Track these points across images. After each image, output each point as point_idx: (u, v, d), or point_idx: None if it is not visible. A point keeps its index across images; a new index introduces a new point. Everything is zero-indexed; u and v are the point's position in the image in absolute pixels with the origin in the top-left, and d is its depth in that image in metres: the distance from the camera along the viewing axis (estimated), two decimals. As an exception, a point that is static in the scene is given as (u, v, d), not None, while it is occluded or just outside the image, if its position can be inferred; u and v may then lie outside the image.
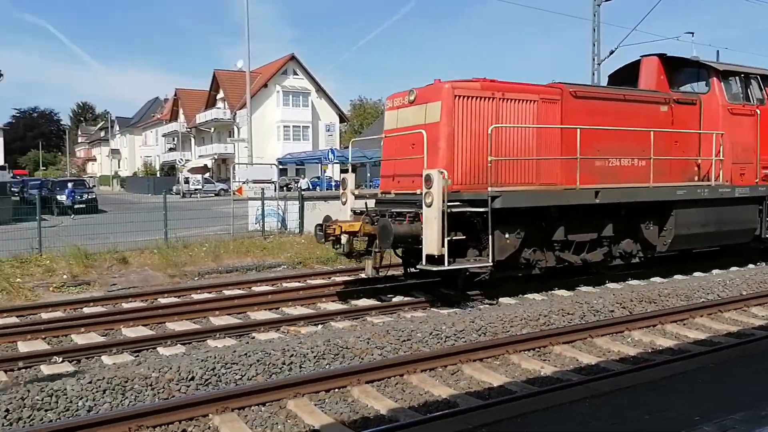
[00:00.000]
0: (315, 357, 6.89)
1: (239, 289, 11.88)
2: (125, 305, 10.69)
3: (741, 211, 12.40)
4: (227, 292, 11.52)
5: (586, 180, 10.46)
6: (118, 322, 9.23)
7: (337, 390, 6.08)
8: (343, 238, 9.94)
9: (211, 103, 68.51)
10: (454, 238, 9.13)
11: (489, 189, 9.38)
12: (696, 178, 12.15)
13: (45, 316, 9.97)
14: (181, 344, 8.08)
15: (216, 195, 48.33)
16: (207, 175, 61.57)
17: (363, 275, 10.86)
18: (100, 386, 5.85)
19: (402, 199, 10.00)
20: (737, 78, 12.73)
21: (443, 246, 8.83)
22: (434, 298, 10.42)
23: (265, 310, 10.04)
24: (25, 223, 16.64)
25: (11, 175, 51.49)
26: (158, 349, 7.92)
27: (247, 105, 32.34)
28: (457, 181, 9.50)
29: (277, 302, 10.34)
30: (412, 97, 10.09)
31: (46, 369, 7.10)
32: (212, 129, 67.94)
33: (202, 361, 6.51)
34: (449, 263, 8.95)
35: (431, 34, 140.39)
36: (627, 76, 13.17)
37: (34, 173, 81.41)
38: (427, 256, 8.90)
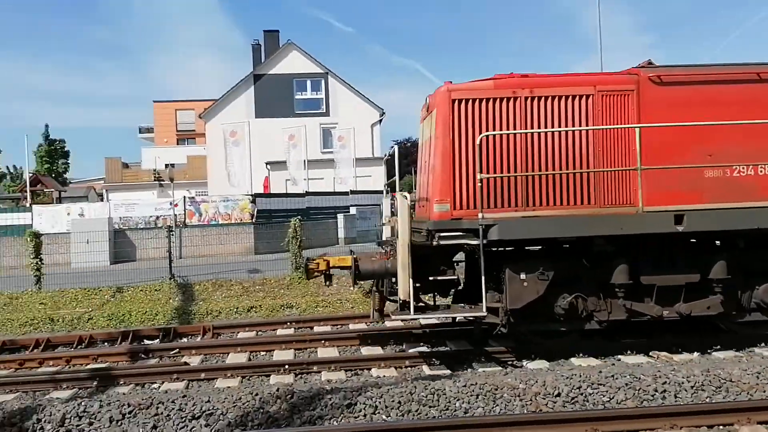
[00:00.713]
0: (692, 387, 6.39)
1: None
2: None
3: None
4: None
5: (683, 198, 7.56)
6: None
7: (721, 427, 5.55)
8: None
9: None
10: (440, 278, 7.73)
11: (480, 216, 7.38)
12: None
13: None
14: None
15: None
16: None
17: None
18: (473, 391, 6.33)
19: (415, 228, 8.01)
20: None
21: (408, 289, 7.31)
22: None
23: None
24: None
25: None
26: (523, 362, 8.19)
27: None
28: (458, 206, 7.69)
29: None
30: (426, 106, 8.43)
31: (426, 369, 8.00)
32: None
33: (567, 378, 6.55)
34: (420, 311, 7.57)
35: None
36: None
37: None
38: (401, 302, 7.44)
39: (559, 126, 7.79)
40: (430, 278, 7.81)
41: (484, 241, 7.40)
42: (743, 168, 7.75)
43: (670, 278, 7.81)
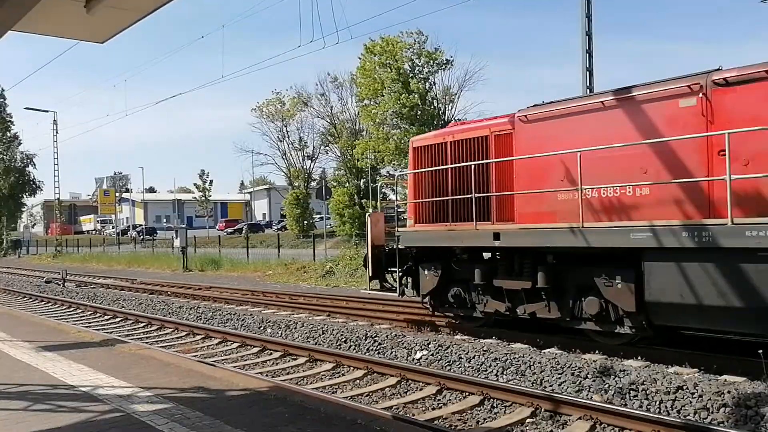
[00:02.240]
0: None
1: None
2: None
3: None
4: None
5: (540, 218, 9.09)
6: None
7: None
8: None
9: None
10: (391, 269, 11.43)
11: (397, 229, 10.98)
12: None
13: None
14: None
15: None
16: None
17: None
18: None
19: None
20: None
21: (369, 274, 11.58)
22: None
23: None
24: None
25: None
26: None
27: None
28: (416, 221, 11.19)
29: None
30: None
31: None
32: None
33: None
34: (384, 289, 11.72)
35: None
36: None
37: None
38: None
39: (469, 161, 10.07)
40: (389, 269, 11.56)
41: (401, 246, 11.10)
42: (589, 191, 8.52)
43: (511, 283, 9.56)
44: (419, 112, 34.58)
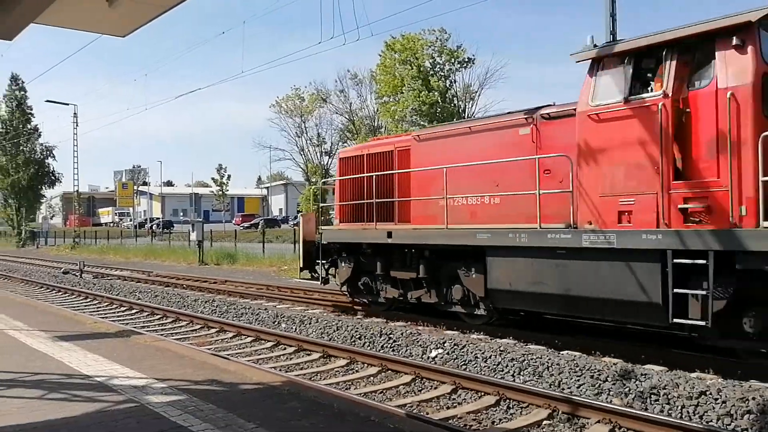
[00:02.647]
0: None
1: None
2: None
3: (615, 272, 8.12)
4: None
5: (427, 220, 11.26)
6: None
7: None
8: None
9: None
10: (320, 261, 13.65)
11: (320, 227, 13.65)
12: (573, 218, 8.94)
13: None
14: None
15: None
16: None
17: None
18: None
19: None
20: (624, 59, 8.33)
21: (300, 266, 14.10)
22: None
23: None
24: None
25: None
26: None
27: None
28: (341, 220, 13.47)
29: None
30: None
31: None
32: None
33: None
34: (313, 278, 14.20)
35: None
36: None
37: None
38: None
39: (379, 171, 12.38)
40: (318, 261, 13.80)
41: (324, 242, 13.37)
42: (461, 198, 10.72)
43: (402, 273, 11.73)
44: (439, 109, 34.54)
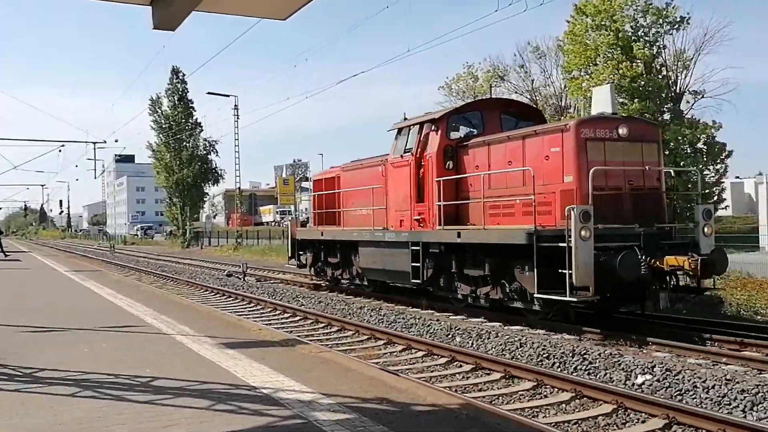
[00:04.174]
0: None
1: None
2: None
3: (397, 255, 16.45)
4: None
5: (350, 223, 19.46)
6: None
7: None
8: None
9: None
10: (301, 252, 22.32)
11: (297, 229, 22.59)
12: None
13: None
14: None
15: None
16: None
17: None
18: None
19: None
20: (406, 131, 16.76)
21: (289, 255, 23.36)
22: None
23: None
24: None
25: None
26: None
27: None
28: (314, 224, 22.04)
29: None
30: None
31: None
32: None
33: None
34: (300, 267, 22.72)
35: None
36: None
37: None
38: None
39: (328, 191, 20.83)
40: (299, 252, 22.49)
41: (299, 238, 22.02)
42: (361, 210, 18.66)
43: (332, 259, 20.18)
44: (642, 83, 32.53)
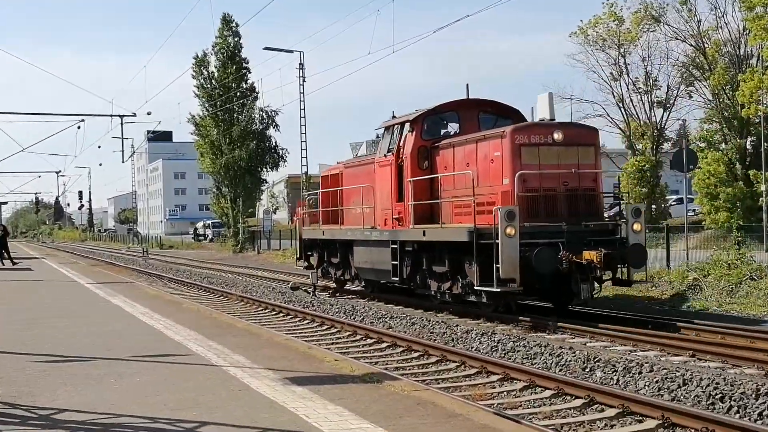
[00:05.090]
0: None
1: None
2: None
3: (382, 253, 22.13)
4: None
5: (349, 222, 24.87)
6: None
7: None
8: None
9: None
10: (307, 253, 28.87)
11: (303, 228, 28.90)
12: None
13: None
14: None
15: None
16: None
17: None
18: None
19: None
20: (391, 130, 22.00)
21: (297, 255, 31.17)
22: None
23: None
24: None
25: None
26: None
27: None
28: (322, 223, 27.52)
29: None
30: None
31: None
32: None
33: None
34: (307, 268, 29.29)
35: None
36: None
37: None
38: None
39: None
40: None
41: (305, 238, 28.64)
42: (356, 208, 24.32)
43: (335, 259, 26.51)
44: None
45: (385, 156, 21.86)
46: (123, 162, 66.19)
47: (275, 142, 68.25)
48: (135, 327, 16.55)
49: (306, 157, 54.61)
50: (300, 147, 54.54)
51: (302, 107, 53.76)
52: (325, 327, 18.70)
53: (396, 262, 20.85)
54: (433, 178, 20.25)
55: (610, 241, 17.65)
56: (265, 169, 69.78)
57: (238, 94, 65.83)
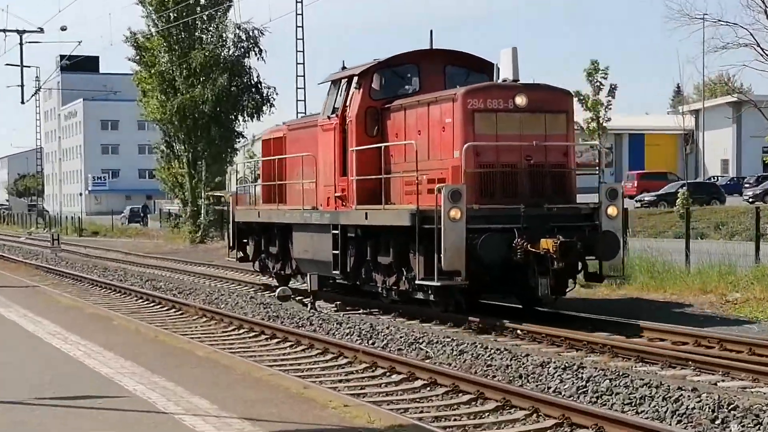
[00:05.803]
0: None
1: None
2: None
3: (323, 241, 25.23)
4: None
5: (292, 201, 28.45)
6: None
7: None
8: None
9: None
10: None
11: (237, 208, 34.63)
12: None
13: None
14: None
15: None
16: None
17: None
18: None
19: None
20: (338, 85, 24.48)
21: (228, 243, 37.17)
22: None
23: None
24: None
25: None
26: None
27: None
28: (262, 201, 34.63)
29: None
30: None
31: None
32: None
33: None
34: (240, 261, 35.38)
35: None
36: None
37: None
38: None
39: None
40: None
41: (237, 221, 33.62)
42: (298, 183, 28.52)
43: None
44: None
45: (328, 118, 24.54)
46: (22, 103, 65.57)
47: (257, 77, 67.31)
48: (42, 356, 16.34)
49: (304, 99, 54.93)
50: (295, 84, 54.77)
51: (299, 24, 53.62)
52: (328, 356, 18.50)
53: (337, 252, 23.70)
54: (380, 147, 22.63)
55: (577, 227, 20.40)
56: (241, 118, 68.81)
57: (203, 1, 64.44)
